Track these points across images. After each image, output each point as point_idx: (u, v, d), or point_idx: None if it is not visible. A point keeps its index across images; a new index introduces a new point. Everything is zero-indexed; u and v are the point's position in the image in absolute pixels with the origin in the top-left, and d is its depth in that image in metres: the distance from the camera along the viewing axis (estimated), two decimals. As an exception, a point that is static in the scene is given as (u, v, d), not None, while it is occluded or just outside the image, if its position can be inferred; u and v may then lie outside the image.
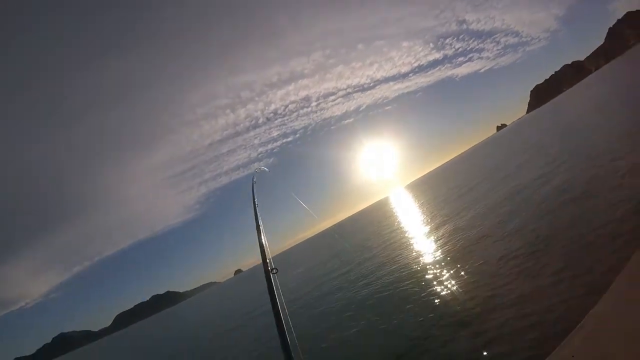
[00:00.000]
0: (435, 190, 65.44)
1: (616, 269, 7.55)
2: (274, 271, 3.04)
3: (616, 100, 38.75)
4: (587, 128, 33.32)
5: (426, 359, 9.68)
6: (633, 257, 7.26)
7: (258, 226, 3.73)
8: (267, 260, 3.18)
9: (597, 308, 6.82)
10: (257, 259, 3.33)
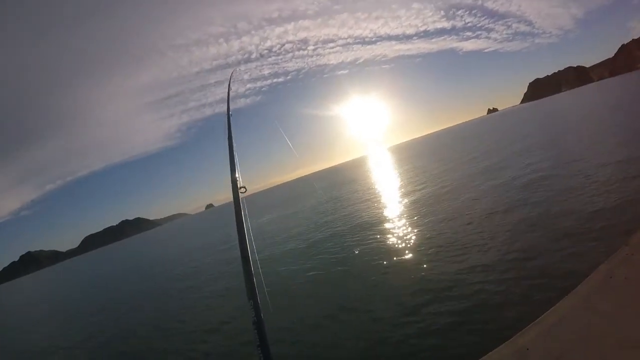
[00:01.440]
0: (417, 158, 67.70)
1: (583, 273, 7.63)
2: (242, 190, 2.81)
3: (612, 113, 39.28)
4: (577, 130, 34.50)
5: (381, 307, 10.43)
6: (601, 267, 7.33)
7: (230, 135, 3.54)
8: (237, 178, 2.91)
9: (559, 306, 6.98)
10: (229, 196, 2.88)
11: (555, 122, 53.47)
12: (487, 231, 13.57)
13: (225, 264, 25.42)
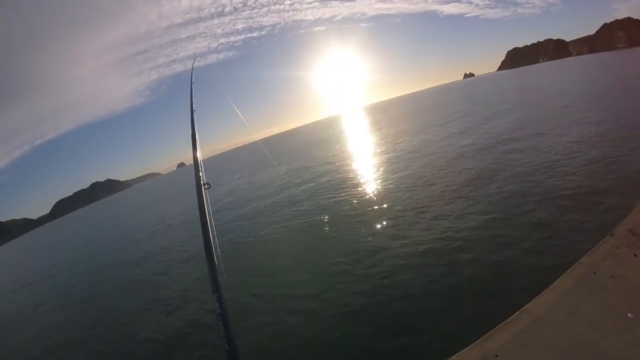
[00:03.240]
0: (390, 120, 66.94)
1: (559, 266, 6.71)
2: (206, 187, 3.02)
3: (587, 88, 38.11)
4: (547, 101, 33.57)
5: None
6: (583, 259, 6.39)
7: (194, 138, 3.65)
8: (200, 175, 3.13)
9: (534, 304, 6.12)
10: (202, 154, 3.52)
11: (524, 88, 53.51)
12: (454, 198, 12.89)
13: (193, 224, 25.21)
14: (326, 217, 15.60)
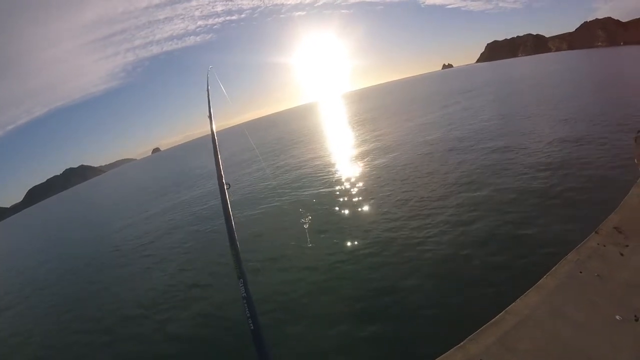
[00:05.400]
0: (368, 108, 67.76)
1: (544, 264, 6.50)
2: (227, 186, 3.27)
3: (562, 85, 38.24)
4: (523, 96, 33.73)
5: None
6: (569, 256, 6.19)
7: (214, 142, 3.97)
8: (222, 176, 3.41)
9: (519, 304, 5.91)
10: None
11: (500, 81, 54.12)
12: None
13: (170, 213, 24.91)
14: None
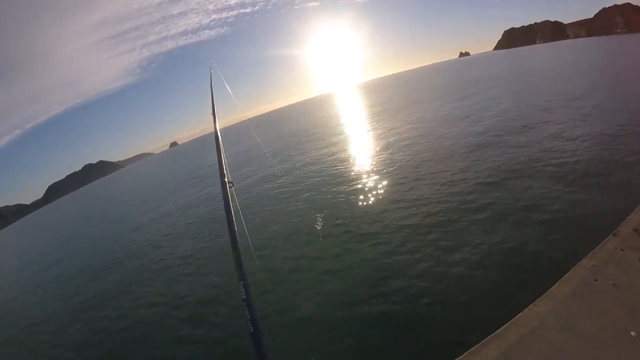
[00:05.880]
0: (383, 99, 64.76)
1: (559, 268, 5.98)
2: (230, 185, 3.24)
3: (582, 74, 36.02)
4: (542, 88, 31.40)
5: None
6: (584, 262, 5.65)
7: (217, 140, 3.88)
8: (225, 175, 3.37)
9: (527, 314, 5.44)
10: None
11: (518, 71, 51.36)
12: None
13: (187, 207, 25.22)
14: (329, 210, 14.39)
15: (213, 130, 4.34)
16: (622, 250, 5.60)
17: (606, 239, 5.95)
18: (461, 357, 5.35)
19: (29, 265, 28.17)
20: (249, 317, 2.09)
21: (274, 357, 2.00)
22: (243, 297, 2.19)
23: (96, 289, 15.37)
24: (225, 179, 3.30)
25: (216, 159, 3.60)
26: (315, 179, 19.89)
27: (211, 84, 5.54)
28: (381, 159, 19.88)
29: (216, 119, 4.53)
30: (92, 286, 16.07)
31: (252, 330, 2.04)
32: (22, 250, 42.20)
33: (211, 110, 4.79)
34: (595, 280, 5.31)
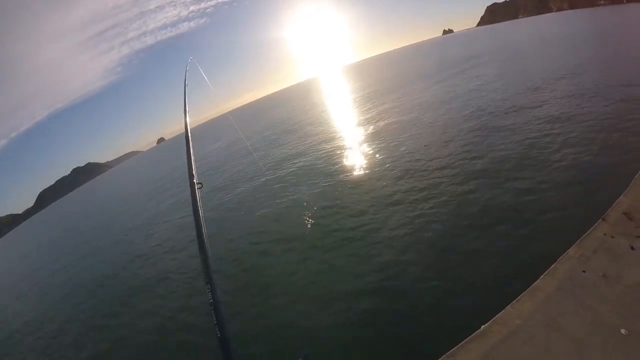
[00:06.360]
0: (368, 83, 64.30)
1: (546, 257, 5.43)
2: (199, 186, 3.15)
3: (564, 46, 35.93)
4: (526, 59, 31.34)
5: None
6: (571, 251, 5.14)
7: (187, 139, 3.82)
8: (193, 175, 3.29)
9: (508, 312, 4.95)
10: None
11: (500, 45, 51.57)
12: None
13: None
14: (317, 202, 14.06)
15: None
16: (612, 237, 5.10)
17: (595, 225, 5.44)
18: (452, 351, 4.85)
19: (23, 280, 27.38)
20: (215, 322, 2.04)
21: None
22: (210, 300, 2.15)
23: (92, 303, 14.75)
24: (194, 180, 3.22)
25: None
26: (299, 173, 19.14)
27: (185, 81, 5.46)
28: (371, 149, 19.07)
29: (187, 118, 4.36)
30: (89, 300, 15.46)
31: (219, 335, 1.98)
32: (16, 265, 41.15)
33: (183, 108, 4.62)
34: (584, 271, 4.80)
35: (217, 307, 2.11)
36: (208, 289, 2.20)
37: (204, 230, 2.60)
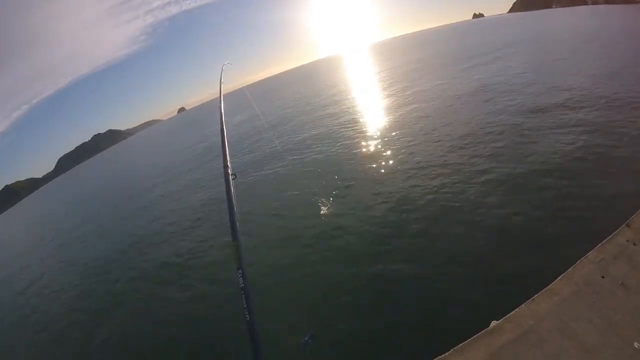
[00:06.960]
0: (398, 64, 62.55)
1: (565, 259, 5.34)
2: (233, 177, 3.28)
3: (601, 41, 32.83)
4: (563, 60, 28.04)
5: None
6: (590, 255, 5.05)
7: (223, 133, 4.03)
8: (228, 166, 3.41)
9: (520, 312, 4.96)
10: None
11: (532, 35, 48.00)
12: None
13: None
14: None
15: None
16: (635, 244, 4.95)
17: (618, 230, 5.28)
18: (444, 355, 4.96)
19: (36, 246, 28.81)
20: (245, 306, 2.12)
21: (270, 343, 1.92)
22: (241, 285, 2.24)
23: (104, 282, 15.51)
24: (229, 170, 3.36)
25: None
26: (320, 157, 19.16)
27: (220, 83, 5.66)
28: (391, 138, 18.66)
29: (222, 117, 4.44)
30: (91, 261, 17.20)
31: (248, 319, 2.06)
32: (33, 229, 43.11)
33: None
34: (603, 277, 4.73)
35: (248, 293, 2.19)
36: (239, 274, 2.29)
37: (237, 219, 2.71)
